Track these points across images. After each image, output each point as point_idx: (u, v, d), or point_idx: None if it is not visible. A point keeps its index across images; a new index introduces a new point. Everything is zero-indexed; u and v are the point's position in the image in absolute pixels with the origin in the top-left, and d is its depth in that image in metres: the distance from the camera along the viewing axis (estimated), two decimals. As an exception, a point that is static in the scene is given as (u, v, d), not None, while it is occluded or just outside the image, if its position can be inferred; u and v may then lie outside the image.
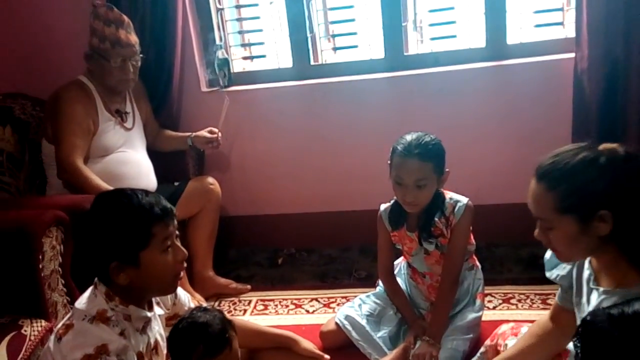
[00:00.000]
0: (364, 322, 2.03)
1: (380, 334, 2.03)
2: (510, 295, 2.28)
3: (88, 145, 2.31)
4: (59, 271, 1.88)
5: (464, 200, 1.96)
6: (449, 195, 1.99)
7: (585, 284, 1.35)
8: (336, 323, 2.06)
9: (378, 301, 2.12)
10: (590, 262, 1.35)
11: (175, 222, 1.45)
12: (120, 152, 2.40)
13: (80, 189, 2.21)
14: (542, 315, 1.60)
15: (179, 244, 1.46)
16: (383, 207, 2.10)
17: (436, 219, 1.95)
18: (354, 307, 2.10)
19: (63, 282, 1.90)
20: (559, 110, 2.43)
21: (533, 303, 2.22)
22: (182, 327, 1.47)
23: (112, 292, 1.41)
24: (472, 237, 2.03)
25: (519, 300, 2.25)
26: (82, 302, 1.43)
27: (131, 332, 1.42)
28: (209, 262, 2.54)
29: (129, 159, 2.42)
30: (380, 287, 2.18)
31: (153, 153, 2.57)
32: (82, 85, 2.37)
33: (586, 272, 1.36)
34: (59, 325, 1.42)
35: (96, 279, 1.44)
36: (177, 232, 1.46)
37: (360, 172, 2.76)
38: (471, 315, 1.98)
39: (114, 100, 2.43)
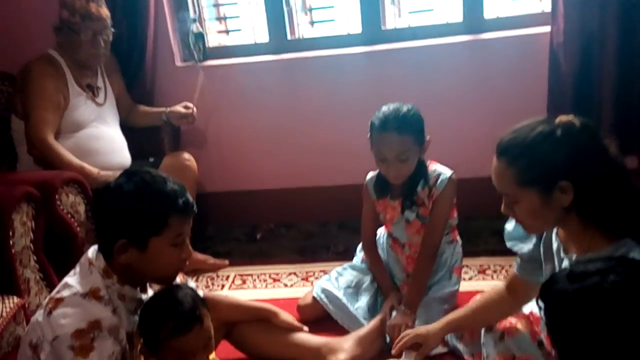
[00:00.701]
0: (341, 294, 2.04)
1: (357, 304, 2.05)
2: (485, 266, 2.32)
3: (59, 121, 2.26)
4: (30, 247, 1.85)
5: (447, 173, 1.96)
6: (434, 166, 1.99)
7: (555, 256, 1.37)
8: (314, 297, 2.07)
9: (355, 272, 2.13)
10: (557, 233, 1.37)
11: (192, 221, 1.42)
12: (92, 127, 2.35)
13: (51, 165, 2.17)
14: (498, 283, 1.66)
15: (188, 242, 1.44)
16: (369, 175, 2.09)
17: (419, 189, 1.96)
18: (331, 280, 2.12)
19: (35, 258, 1.87)
20: (536, 84, 2.44)
21: (508, 274, 2.26)
22: (152, 305, 1.45)
23: (110, 270, 1.38)
24: (454, 211, 2.05)
25: (494, 272, 2.29)
26: (73, 277, 1.40)
27: (123, 312, 1.40)
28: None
29: (101, 135, 2.37)
30: (357, 257, 2.20)
31: (127, 129, 2.53)
32: (51, 60, 2.31)
33: (554, 244, 1.38)
34: (47, 300, 1.39)
35: (91, 255, 1.41)
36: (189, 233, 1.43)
37: (339, 147, 2.76)
38: (447, 289, 2.01)
39: (85, 75, 2.37)
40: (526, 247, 1.48)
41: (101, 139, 2.37)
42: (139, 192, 1.36)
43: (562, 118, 1.24)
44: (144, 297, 1.47)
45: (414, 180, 1.95)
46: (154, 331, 1.40)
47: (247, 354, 1.91)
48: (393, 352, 1.71)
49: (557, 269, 1.38)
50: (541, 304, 1.00)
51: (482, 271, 2.30)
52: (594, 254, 1.21)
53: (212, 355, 1.53)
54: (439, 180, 1.94)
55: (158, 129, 2.60)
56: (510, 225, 1.51)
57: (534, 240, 1.45)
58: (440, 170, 1.98)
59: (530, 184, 1.23)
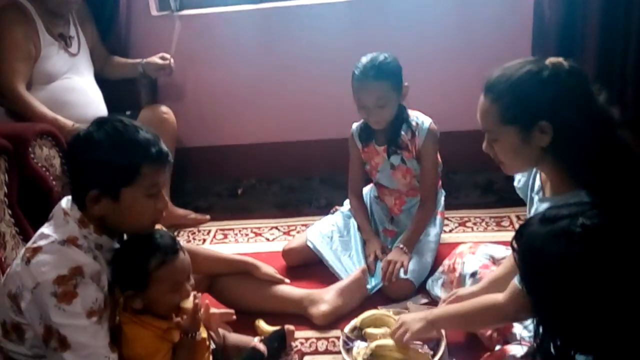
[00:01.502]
0: (335, 244, 2.10)
1: (348, 253, 2.10)
2: (466, 219, 2.34)
3: (30, 71, 2.19)
4: (5, 201, 1.80)
5: (427, 121, 2.03)
6: (414, 113, 2.05)
7: (535, 196, 1.41)
8: (306, 245, 2.09)
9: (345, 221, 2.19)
10: (539, 174, 1.40)
11: (167, 172, 1.39)
12: (66, 78, 2.28)
13: (24, 117, 2.10)
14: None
15: (164, 193, 1.40)
16: (355, 125, 2.15)
17: (402, 133, 2.02)
18: (324, 228, 2.15)
19: (10, 212, 1.82)
20: (520, 34, 2.42)
21: (488, 226, 2.29)
22: (131, 245, 1.43)
23: (86, 219, 1.35)
24: (439, 158, 2.10)
25: (475, 224, 2.31)
26: (49, 227, 1.37)
27: (102, 261, 1.37)
28: (166, 194, 2.48)
29: (75, 86, 2.30)
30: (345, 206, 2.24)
31: (102, 81, 2.46)
32: (20, 7, 2.21)
33: (536, 185, 1.41)
34: (23, 250, 1.36)
35: (65, 205, 1.37)
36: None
37: (321, 100, 2.71)
38: (433, 231, 2.07)
39: (56, 24, 2.28)
40: (519, 186, 1.51)
41: (75, 90, 2.30)
42: (110, 141, 1.31)
43: (552, 59, 1.24)
44: (122, 247, 1.45)
45: (396, 125, 2.02)
46: (143, 265, 1.38)
47: (229, 306, 1.90)
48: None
49: (532, 209, 1.41)
50: (515, 246, 1.01)
51: (462, 223, 2.32)
52: (557, 195, 1.25)
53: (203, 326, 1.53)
54: (421, 128, 2.01)
55: (134, 81, 2.53)
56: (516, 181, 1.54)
57: (524, 179, 1.48)
58: (421, 117, 2.04)
59: (511, 122, 1.25)
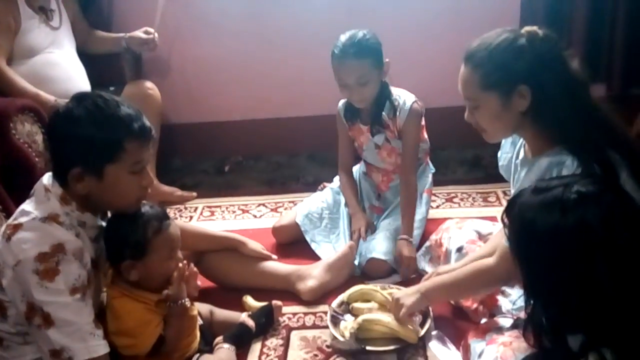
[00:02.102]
0: (325, 222, 2.10)
1: (337, 231, 2.10)
2: (453, 194, 2.35)
3: (10, 45, 2.14)
4: (-14, 178, 1.77)
5: (409, 101, 1.99)
6: (397, 91, 2.02)
7: (513, 164, 1.45)
8: (296, 222, 2.08)
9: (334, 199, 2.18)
10: (524, 147, 1.42)
11: (151, 147, 1.37)
12: (48, 53, 2.23)
13: (4, 92, 2.06)
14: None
15: (149, 169, 1.39)
16: (341, 103, 2.12)
17: (384, 114, 1.99)
18: (314, 205, 2.14)
19: (-8, 189, 1.79)
20: (507, 6, 2.40)
21: (475, 201, 2.30)
22: (123, 218, 1.42)
23: (68, 197, 1.33)
24: (425, 135, 2.08)
25: (462, 199, 2.32)
26: (30, 203, 1.34)
27: (85, 239, 1.36)
28: (151, 169, 2.46)
29: (57, 61, 2.25)
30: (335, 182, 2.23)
31: (85, 56, 2.41)
32: (-3, -22, 2.14)
33: (521, 154, 1.43)
34: (4, 227, 1.34)
35: (47, 182, 1.35)
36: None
37: (308, 76, 2.68)
38: (420, 209, 2.05)
39: (37, -4, 2.22)
40: (504, 164, 1.54)
41: (57, 65, 2.25)
42: (90, 117, 1.28)
43: (527, 28, 1.31)
44: (105, 224, 1.43)
45: (379, 103, 2.00)
46: (142, 232, 1.40)
47: (217, 283, 1.91)
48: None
49: (512, 177, 1.44)
50: (506, 219, 1.01)
51: (449, 199, 2.33)
52: (534, 159, 1.29)
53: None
54: (402, 109, 1.98)
55: (118, 56, 2.49)
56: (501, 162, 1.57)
57: (509, 156, 1.50)
58: (403, 96, 2.01)
59: (491, 88, 1.29)
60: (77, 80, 2.29)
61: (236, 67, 2.72)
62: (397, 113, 1.99)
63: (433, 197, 2.24)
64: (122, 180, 1.33)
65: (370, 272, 1.91)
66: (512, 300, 1.57)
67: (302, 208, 2.14)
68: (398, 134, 2.02)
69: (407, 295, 1.55)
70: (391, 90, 2.01)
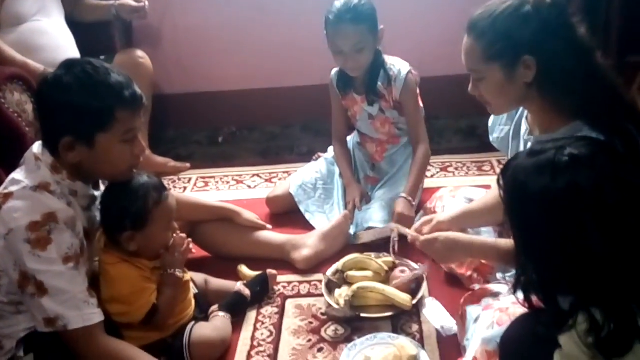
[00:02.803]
0: (319, 192, 2.09)
1: (331, 201, 2.09)
2: (448, 164, 2.34)
3: (-3, 12, 2.08)
4: (-24, 148, 1.75)
5: (404, 70, 1.96)
6: (392, 60, 1.99)
7: (522, 140, 1.39)
8: (290, 192, 2.07)
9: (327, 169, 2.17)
10: (526, 117, 1.38)
11: (142, 115, 1.35)
12: (35, 21, 2.19)
13: (-8, 61, 2.01)
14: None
15: (141, 137, 1.37)
16: (333, 72, 2.09)
17: (379, 83, 1.97)
18: (308, 176, 2.13)
19: (-18, 159, 1.77)
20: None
21: (469, 170, 2.30)
22: (120, 189, 1.41)
23: (59, 165, 1.31)
24: (420, 103, 2.06)
25: (456, 169, 2.32)
26: (20, 172, 1.33)
27: (77, 207, 1.35)
28: (144, 140, 2.43)
29: (45, 29, 2.21)
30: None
31: (74, 24, 2.36)
32: (-20, -56, 2.08)
33: (523, 128, 1.39)
34: None
35: (37, 150, 1.33)
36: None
37: (302, 45, 2.64)
38: None
39: (22, -38, 2.16)
40: (501, 136, 1.50)
41: (46, 34, 2.21)
42: (80, 85, 1.26)
43: None
44: (97, 193, 1.42)
45: (373, 72, 1.97)
46: (143, 203, 1.40)
47: (211, 252, 1.91)
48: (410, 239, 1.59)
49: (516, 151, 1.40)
50: (501, 182, 1.00)
51: (444, 169, 2.33)
52: (547, 135, 1.23)
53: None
54: (398, 77, 1.96)
55: (108, 25, 2.44)
56: (491, 120, 1.53)
57: (507, 128, 1.47)
58: (398, 65, 1.98)
59: (495, 59, 1.23)
60: (66, 49, 2.25)
61: (229, 36, 2.68)
62: (393, 83, 1.96)
63: (428, 167, 2.22)
64: (113, 149, 1.31)
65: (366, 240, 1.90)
66: (508, 271, 1.58)
67: (296, 179, 2.13)
68: (393, 104, 2.00)
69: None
70: (385, 59, 1.98)
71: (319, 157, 2.26)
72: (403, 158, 2.08)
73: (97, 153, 1.30)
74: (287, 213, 2.08)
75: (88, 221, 1.38)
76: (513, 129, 1.45)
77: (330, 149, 2.22)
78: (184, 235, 1.54)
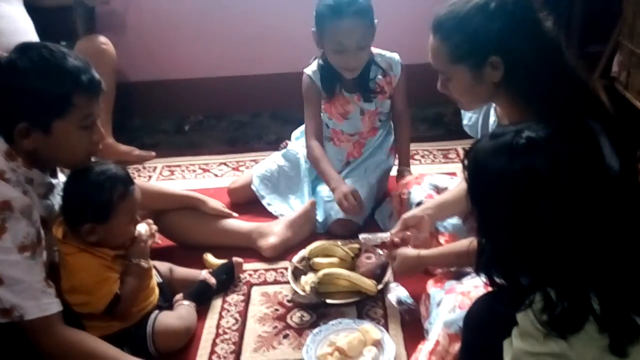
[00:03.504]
0: (282, 184, 2.06)
1: (295, 194, 2.06)
2: (414, 152, 2.35)
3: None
4: None
5: (395, 56, 1.93)
6: (377, 51, 1.92)
7: (490, 130, 1.40)
8: (251, 186, 2.04)
9: (290, 162, 2.11)
10: (495, 109, 1.39)
11: (101, 101, 1.32)
12: (-9, 5, 2.11)
13: (-55, 46, 1.94)
14: None
15: (99, 124, 1.34)
16: (309, 71, 1.94)
17: (379, 77, 1.91)
18: (271, 167, 2.09)
19: None
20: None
21: (435, 158, 2.33)
22: (85, 179, 1.37)
23: (14, 152, 1.27)
24: None
25: (423, 156, 2.34)
26: None
27: (34, 196, 1.31)
28: (107, 128, 2.38)
29: (2, 14, 2.15)
30: (292, 144, 2.17)
31: (33, 9, 2.29)
32: None
33: (491, 119, 1.41)
34: None
35: None
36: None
37: (271, 33, 2.63)
38: (385, 166, 2.07)
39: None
40: (469, 124, 1.53)
41: (2, 18, 2.14)
42: (35, 69, 1.23)
43: None
44: (54, 181, 1.39)
45: (367, 69, 1.88)
46: (107, 196, 1.37)
47: (176, 241, 1.89)
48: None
49: None
50: (465, 162, 1.02)
51: (411, 156, 2.32)
52: None
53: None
54: (394, 64, 1.92)
55: (69, 10, 2.37)
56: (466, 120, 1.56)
57: (475, 116, 1.50)
58: (388, 54, 1.93)
59: (462, 60, 1.22)
60: (24, 34, 2.18)
61: (197, 22, 2.64)
62: (390, 72, 1.90)
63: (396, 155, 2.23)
64: (71, 135, 1.28)
65: (337, 231, 1.89)
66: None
67: (257, 170, 2.07)
68: (389, 94, 1.94)
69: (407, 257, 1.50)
70: (372, 52, 1.89)
71: (287, 144, 2.25)
72: (376, 148, 2.06)
73: (53, 140, 1.27)
74: (249, 203, 2.05)
75: (45, 210, 1.35)
76: (482, 119, 1.47)
77: (297, 138, 2.17)
78: (150, 221, 1.52)
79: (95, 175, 1.38)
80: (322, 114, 2.00)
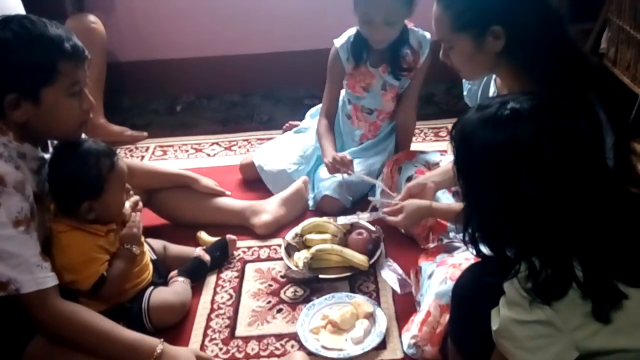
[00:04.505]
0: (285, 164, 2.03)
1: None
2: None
3: None
4: None
5: (427, 34, 1.88)
6: (410, 25, 1.89)
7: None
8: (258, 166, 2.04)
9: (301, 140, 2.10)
10: (495, 80, 1.41)
11: (86, 68, 1.32)
12: (-24, -18, 2.08)
13: None
14: None
15: (87, 92, 1.34)
16: (338, 43, 1.91)
17: (407, 52, 1.87)
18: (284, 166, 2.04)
19: None
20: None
21: (426, 136, 2.34)
22: (68, 159, 1.38)
23: (5, 127, 1.27)
24: None
25: (414, 135, 2.33)
26: None
27: (26, 170, 1.31)
28: (99, 108, 2.38)
29: (-13, -8, 2.11)
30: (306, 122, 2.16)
31: (20, -13, 2.26)
32: None
33: (491, 90, 1.42)
34: None
35: None
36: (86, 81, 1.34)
37: (263, 12, 2.62)
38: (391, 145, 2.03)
39: None
40: (468, 95, 1.54)
41: (-12, -3, 2.11)
42: (18, 39, 1.23)
43: None
44: (46, 156, 1.39)
45: (399, 44, 1.85)
46: (97, 170, 1.39)
47: (170, 220, 1.90)
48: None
49: None
50: (452, 134, 1.03)
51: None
52: None
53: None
54: (424, 42, 1.87)
55: (57, -12, 2.35)
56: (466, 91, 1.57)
57: (475, 87, 1.51)
58: (421, 31, 1.89)
59: (464, 29, 1.23)
60: (11, 12, 2.15)
61: (188, 0, 2.61)
62: (420, 50, 1.87)
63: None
64: (60, 103, 1.29)
65: (325, 208, 1.91)
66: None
67: (270, 164, 2.02)
68: (414, 73, 1.91)
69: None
70: (407, 26, 1.85)
71: (290, 125, 2.23)
72: (389, 133, 2.04)
73: (44, 109, 1.27)
74: (261, 179, 2.04)
75: (38, 184, 1.35)
76: (481, 90, 1.48)
77: (312, 115, 2.14)
78: (137, 197, 1.54)
79: (78, 155, 1.39)
80: (344, 91, 2.00)
